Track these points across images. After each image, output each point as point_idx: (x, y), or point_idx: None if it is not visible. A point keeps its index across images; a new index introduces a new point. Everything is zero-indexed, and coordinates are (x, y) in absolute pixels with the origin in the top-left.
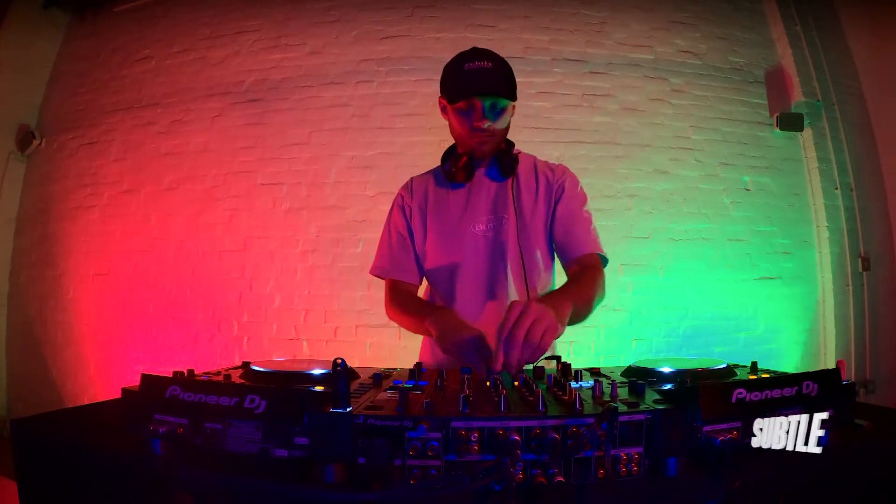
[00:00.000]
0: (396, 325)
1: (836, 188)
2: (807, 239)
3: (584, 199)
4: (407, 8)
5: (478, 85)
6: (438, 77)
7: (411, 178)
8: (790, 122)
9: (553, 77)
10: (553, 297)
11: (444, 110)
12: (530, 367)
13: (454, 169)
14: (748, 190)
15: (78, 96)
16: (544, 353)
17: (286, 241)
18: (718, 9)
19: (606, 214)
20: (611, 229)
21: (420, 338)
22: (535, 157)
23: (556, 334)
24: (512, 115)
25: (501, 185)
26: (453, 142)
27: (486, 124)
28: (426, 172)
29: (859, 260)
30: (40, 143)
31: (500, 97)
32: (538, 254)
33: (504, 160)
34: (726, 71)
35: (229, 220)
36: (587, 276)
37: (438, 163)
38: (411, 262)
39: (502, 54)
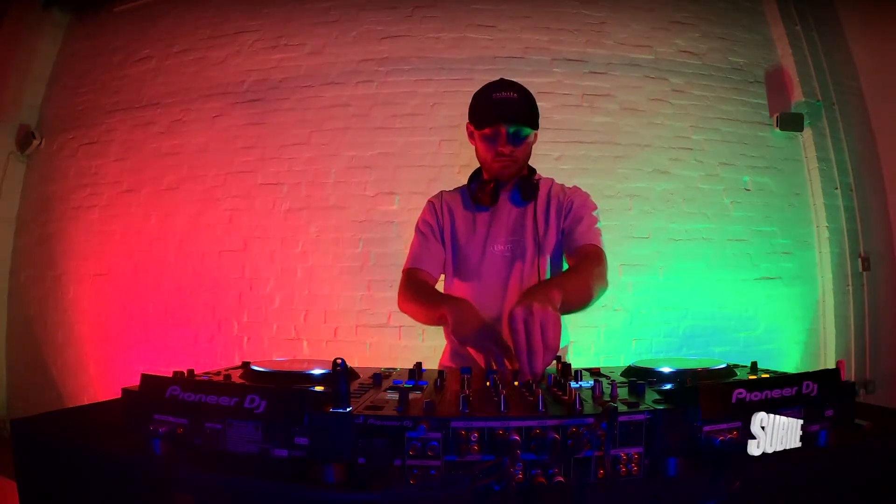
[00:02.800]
0: (405, 318)
1: (836, 188)
2: (807, 239)
3: (592, 207)
4: (407, 8)
5: (503, 113)
6: (438, 77)
7: (441, 192)
8: (790, 122)
9: (553, 77)
10: (542, 288)
11: (471, 136)
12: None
13: (481, 193)
14: (748, 190)
15: (78, 96)
16: (558, 350)
17: (286, 241)
18: (718, 9)
19: (606, 214)
20: (611, 229)
21: (427, 336)
22: (552, 181)
23: (560, 327)
24: (534, 143)
25: (521, 209)
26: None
27: (509, 150)
28: (454, 190)
29: (859, 260)
30: (40, 143)
31: (522, 125)
32: (550, 267)
33: (525, 186)
34: (726, 71)
35: (229, 220)
36: (582, 264)
37: (439, 163)
38: (437, 254)
39: (502, 54)
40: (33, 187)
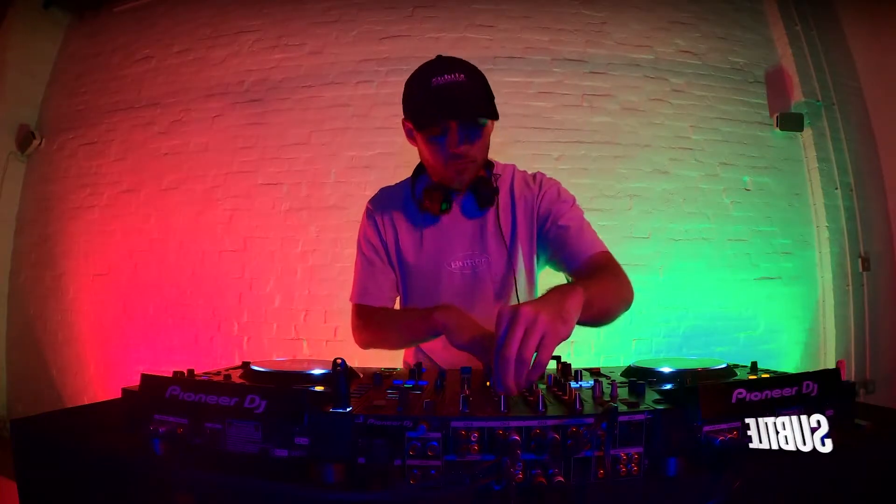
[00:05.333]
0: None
1: (836, 188)
2: (807, 239)
3: (570, 202)
4: (407, 8)
5: (452, 105)
6: None
7: (381, 192)
8: (790, 122)
9: (553, 77)
10: (558, 290)
11: (409, 134)
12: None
13: (428, 202)
14: (748, 190)
15: (78, 96)
16: (546, 365)
17: (286, 241)
18: (718, 9)
19: (606, 214)
20: (611, 229)
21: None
22: (513, 171)
23: (561, 337)
24: (491, 132)
25: (479, 218)
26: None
27: (464, 150)
28: (397, 187)
29: (859, 260)
30: (40, 143)
31: (478, 117)
32: (521, 283)
33: (482, 191)
34: (726, 71)
35: (229, 220)
36: (603, 272)
37: None
38: (387, 281)
39: (502, 55)
40: (33, 187)
